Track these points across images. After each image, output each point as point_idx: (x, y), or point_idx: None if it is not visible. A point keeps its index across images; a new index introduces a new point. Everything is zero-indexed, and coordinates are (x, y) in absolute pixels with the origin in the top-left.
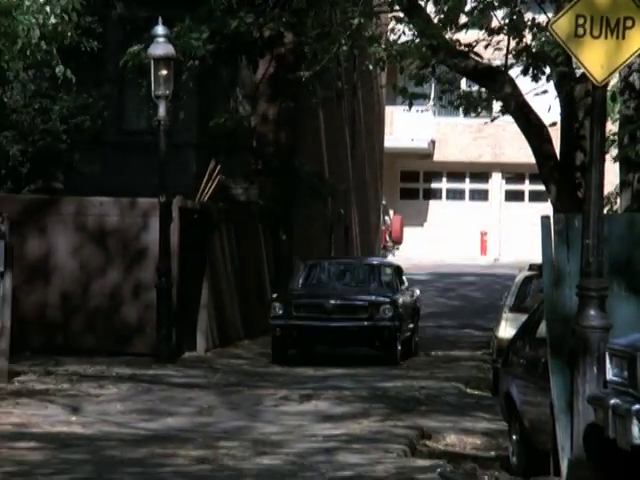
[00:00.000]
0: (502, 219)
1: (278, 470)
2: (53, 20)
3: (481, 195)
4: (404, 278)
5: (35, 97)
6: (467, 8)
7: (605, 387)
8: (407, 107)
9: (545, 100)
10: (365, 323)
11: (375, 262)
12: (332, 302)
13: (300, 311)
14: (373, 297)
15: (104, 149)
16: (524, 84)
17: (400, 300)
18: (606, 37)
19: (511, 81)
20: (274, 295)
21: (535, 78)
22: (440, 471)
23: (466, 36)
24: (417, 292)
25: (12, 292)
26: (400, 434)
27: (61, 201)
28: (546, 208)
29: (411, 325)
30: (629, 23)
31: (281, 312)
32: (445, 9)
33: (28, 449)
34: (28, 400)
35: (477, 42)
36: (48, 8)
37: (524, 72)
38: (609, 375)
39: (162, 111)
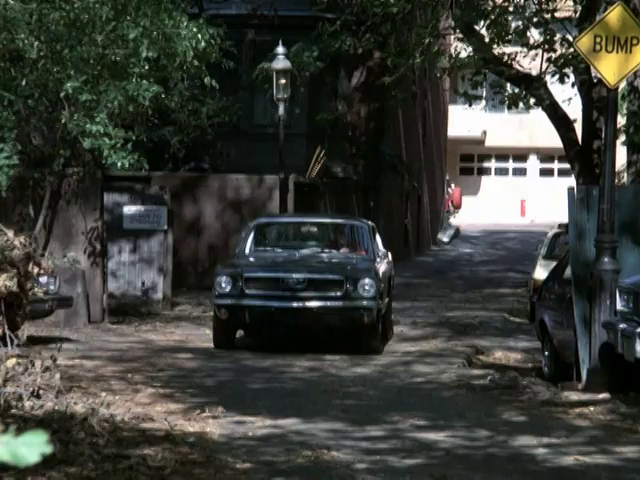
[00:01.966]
0: (537, 190)
1: (369, 377)
2: (203, 44)
3: (521, 172)
4: (378, 240)
5: (189, 101)
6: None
7: (615, 315)
8: (465, 105)
9: (567, 98)
10: (340, 303)
11: (344, 221)
12: (296, 276)
13: (253, 288)
14: (349, 268)
15: (239, 139)
16: (554, 87)
17: (381, 271)
18: (617, 52)
19: (544, 85)
20: (218, 266)
21: (562, 80)
22: (490, 378)
23: (510, 48)
24: (390, 256)
25: (173, 245)
26: (460, 351)
27: (208, 178)
28: (571, 181)
29: (387, 299)
30: (635, 41)
31: (228, 289)
32: (494, 31)
33: (186, 359)
34: (186, 323)
35: (516, 54)
36: (200, 36)
37: (553, 75)
38: (618, 306)
39: (281, 110)
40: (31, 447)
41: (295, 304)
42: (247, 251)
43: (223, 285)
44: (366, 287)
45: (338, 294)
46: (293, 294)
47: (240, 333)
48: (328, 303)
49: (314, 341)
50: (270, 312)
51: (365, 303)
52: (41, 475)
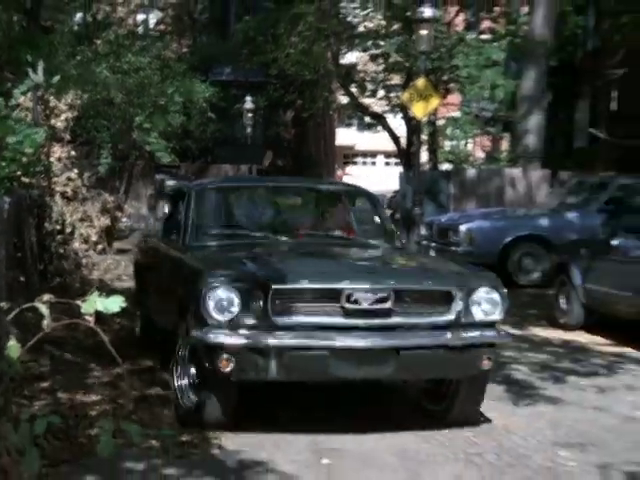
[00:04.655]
0: (382, 174)
1: None
2: (207, 94)
3: (374, 164)
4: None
5: (200, 125)
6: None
7: (422, 237)
8: (345, 127)
9: (399, 125)
10: (447, 336)
11: (341, 189)
12: (376, 287)
13: (292, 311)
14: (455, 270)
15: (227, 145)
16: (391, 120)
17: None
18: (422, 101)
19: (385, 119)
20: (204, 269)
21: (395, 116)
22: None
23: (368, 99)
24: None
25: None
26: None
27: (210, 166)
28: (400, 169)
29: None
30: (430, 96)
31: (237, 313)
32: (360, 91)
33: None
34: None
35: (371, 105)
36: (206, 90)
37: (390, 113)
38: (422, 232)
39: (249, 129)
40: (114, 303)
41: (373, 341)
42: (197, 237)
43: (224, 304)
44: (489, 304)
45: (444, 319)
46: (367, 322)
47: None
48: (430, 339)
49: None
50: (323, 359)
51: (488, 333)
52: (117, 317)
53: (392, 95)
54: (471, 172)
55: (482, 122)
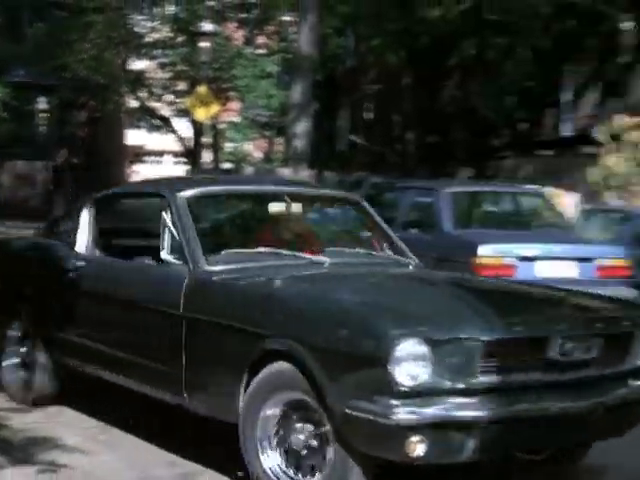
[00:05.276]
0: (171, 171)
1: None
2: (1, 95)
3: (162, 162)
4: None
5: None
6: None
7: None
8: (136, 130)
9: (187, 127)
10: (636, 384)
11: (335, 194)
12: (580, 333)
13: (502, 368)
14: (624, 303)
15: (24, 145)
16: (177, 122)
17: None
18: (204, 107)
19: (171, 121)
20: (382, 321)
21: (181, 118)
22: None
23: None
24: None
25: None
26: None
27: (5, 163)
28: (186, 167)
29: None
30: (210, 103)
31: (417, 380)
32: (149, 95)
33: None
34: None
35: (159, 108)
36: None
37: (176, 117)
38: None
39: (43, 128)
40: None
41: (589, 401)
42: (210, 259)
43: (417, 365)
44: None
45: (629, 365)
46: (573, 376)
47: None
48: (625, 390)
49: None
50: (532, 429)
51: None
52: None
53: (178, 100)
54: (249, 170)
55: (259, 126)
